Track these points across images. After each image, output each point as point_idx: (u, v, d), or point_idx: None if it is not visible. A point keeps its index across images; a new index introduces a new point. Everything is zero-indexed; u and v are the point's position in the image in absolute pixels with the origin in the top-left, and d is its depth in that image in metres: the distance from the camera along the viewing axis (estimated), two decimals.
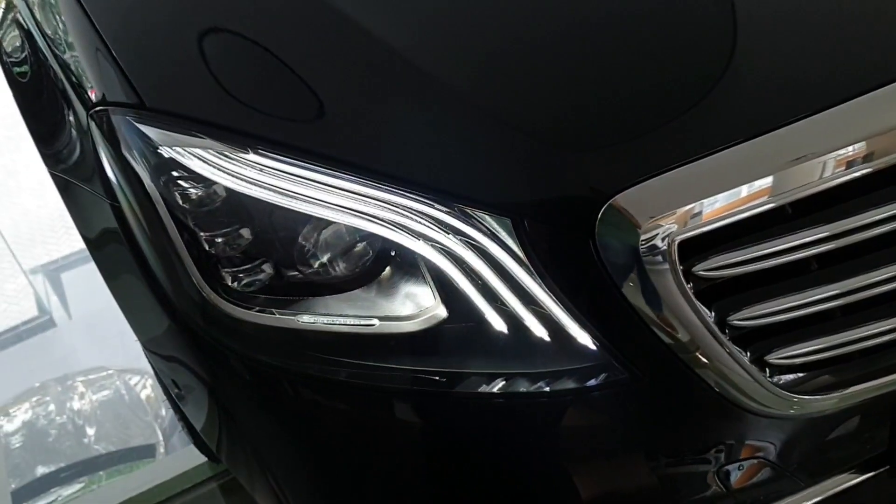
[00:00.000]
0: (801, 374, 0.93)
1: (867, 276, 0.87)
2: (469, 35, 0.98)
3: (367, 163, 0.89)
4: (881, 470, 1.06)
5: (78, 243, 5.00)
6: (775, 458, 0.98)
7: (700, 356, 0.88)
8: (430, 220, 0.87)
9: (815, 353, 0.91)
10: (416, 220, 0.87)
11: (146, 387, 3.70)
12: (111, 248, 1.11)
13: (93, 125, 1.00)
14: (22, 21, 1.25)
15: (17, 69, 1.29)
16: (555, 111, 0.90)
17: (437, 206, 0.87)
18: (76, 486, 3.08)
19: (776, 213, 0.85)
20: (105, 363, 3.93)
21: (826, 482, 1.05)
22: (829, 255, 0.88)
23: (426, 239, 0.88)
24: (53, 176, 1.18)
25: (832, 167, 0.84)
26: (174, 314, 1.00)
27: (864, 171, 0.84)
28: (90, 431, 3.44)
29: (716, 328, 0.87)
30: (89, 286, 4.78)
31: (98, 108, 0.99)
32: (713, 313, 0.87)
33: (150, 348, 1.18)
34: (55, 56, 1.10)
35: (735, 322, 0.87)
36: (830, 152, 0.83)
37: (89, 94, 1.01)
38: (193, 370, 1.07)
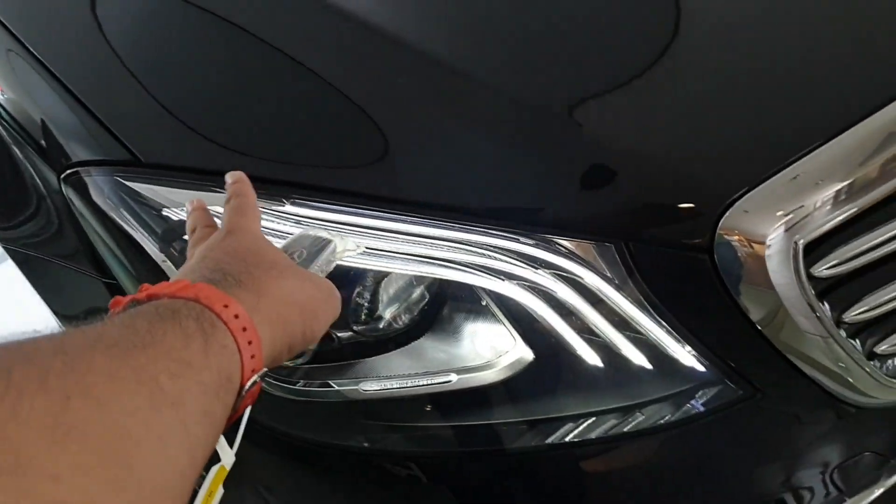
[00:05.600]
0: None
1: None
2: (537, 42, 0.86)
3: (429, 198, 0.76)
4: None
5: None
6: (881, 448, 0.92)
7: (816, 358, 0.80)
8: (514, 255, 0.76)
9: None
10: (497, 258, 0.76)
11: None
12: None
13: (69, 191, 0.83)
14: None
15: None
16: (650, 125, 0.79)
17: (520, 238, 0.75)
18: None
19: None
20: None
21: None
22: None
23: (510, 277, 0.76)
24: (9, 250, 0.99)
25: None
26: None
27: None
28: None
29: (834, 327, 0.79)
30: None
31: (73, 170, 0.82)
32: (830, 312, 0.79)
33: None
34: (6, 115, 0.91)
35: (850, 318, 0.80)
36: None
37: (60, 153, 0.83)
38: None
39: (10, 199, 0.96)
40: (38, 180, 0.87)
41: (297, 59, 0.84)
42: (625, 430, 0.81)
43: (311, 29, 0.87)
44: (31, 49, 0.90)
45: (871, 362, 0.84)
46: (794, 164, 0.75)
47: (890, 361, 0.86)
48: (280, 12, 0.90)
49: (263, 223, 0.76)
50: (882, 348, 0.83)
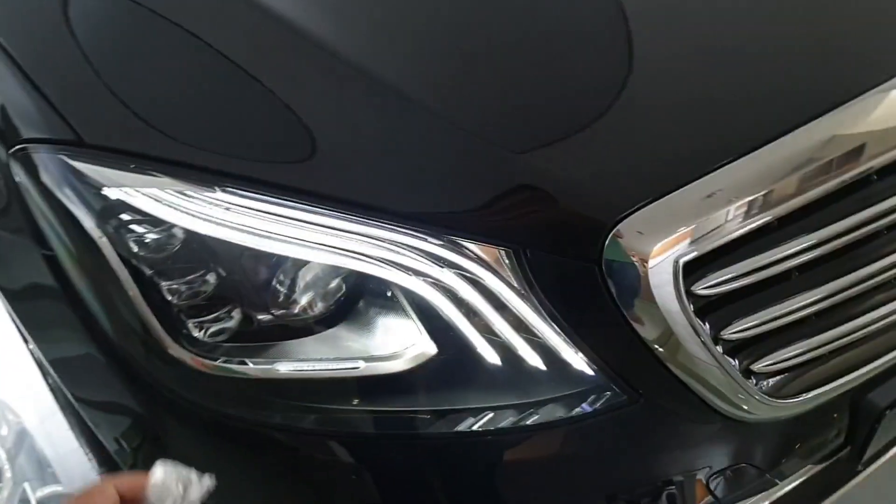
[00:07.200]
0: (779, 379, 0.94)
1: (851, 278, 0.90)
2: (452, 54, 0.93)
3: (349, 196, 0.83)
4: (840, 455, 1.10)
5: None
6: (756, 461, 0.99)
7: (696, 371, 0.87)
8: (421, 254, 0.82)
9: (794, 357, 0.92)
10: (406, 255, 0.82)
11: None
12: (41, 301, 0.98)
13: (16, 165, 0.88)
14: None
15: None
16: (553, 138, 0.87)
17: (429, 238, 0.82)
18: None
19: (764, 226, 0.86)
20: None
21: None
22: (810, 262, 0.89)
23: (416, 273, 0.82)
24: None
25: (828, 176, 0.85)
26: (130, 371, 0.90)
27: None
28: None
29: (711, 343, 0.86)
30: None
31: (22, 146, 0.88)
32: (710, 329, 0.86)
33: (88, 402, 1.06)
34: None
35: (727, 336, 0.87)
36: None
37: (10, 130, 0.89)
38: (153, 430, 0.97)
39: None
40: None
41: (235, 61, 0.91)
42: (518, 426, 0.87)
43: (247, 29, 0.94)
44: None
45: (749, 380, 0.91)
46: (687, 186, 0.82)
47: (767, 381, 0.94)
48: (221, 10, 0.97)
49: (192, 207, 0.83)
50: (758, 367, 0.91)
